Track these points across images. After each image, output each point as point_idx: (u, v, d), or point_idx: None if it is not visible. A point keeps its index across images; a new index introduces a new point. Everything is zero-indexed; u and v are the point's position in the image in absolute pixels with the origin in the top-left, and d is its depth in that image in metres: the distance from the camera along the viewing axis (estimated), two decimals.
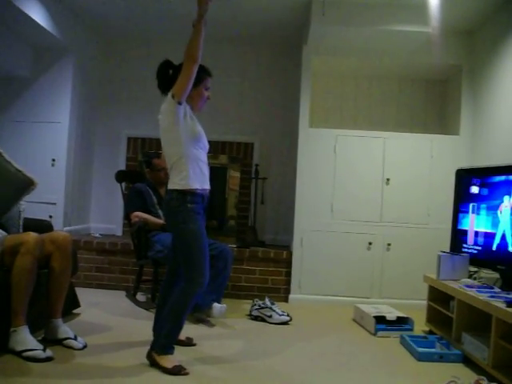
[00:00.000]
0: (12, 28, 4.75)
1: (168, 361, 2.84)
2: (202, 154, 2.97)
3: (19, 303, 2.90)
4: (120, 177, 4.72)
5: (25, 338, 2.87)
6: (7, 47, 4.90)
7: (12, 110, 5.33)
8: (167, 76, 2.96)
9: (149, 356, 2.91)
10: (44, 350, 2.87)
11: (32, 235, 3.00)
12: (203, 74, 2.98)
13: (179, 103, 2.82)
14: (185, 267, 2.90)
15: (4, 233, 3.22)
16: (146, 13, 5.15)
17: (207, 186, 2.98)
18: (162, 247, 4.12)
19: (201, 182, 2.91)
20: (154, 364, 2.87)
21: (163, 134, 2.92)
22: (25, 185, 3.46)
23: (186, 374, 2.81)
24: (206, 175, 2.98)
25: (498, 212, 3.55)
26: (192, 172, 2.87)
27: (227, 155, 5.81)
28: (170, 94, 2.83)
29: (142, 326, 3.68)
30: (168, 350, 2.89)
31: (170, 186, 2.90)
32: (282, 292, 4.92)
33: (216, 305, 3.88)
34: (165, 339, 2.89)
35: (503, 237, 3.49)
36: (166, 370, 2.80)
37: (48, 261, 3.15)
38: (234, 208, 5.71)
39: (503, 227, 3.50)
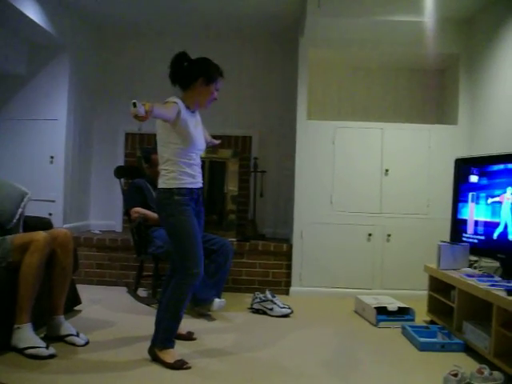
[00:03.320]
0: (7, 25, 4.72)
1: (169, 355, 2.85)
2: (193, 156, 2.98)
3: (25, 300, 2.92)
4: (119, 173, 4.71)
5: (28, 336, 2.88)
6: (2, 45, 4.87)
7: (8, 108, 5.31)
8: (181, 68, 2.97)
9: (150, 351, 2.92)
10: (47, 347, 2.88)
11: (42, 234, 3.03)
12: (216, 74, 3.02)
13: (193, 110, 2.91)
14: (179, 259, 2.92)
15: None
16: (142, 9, 5.13)
17: (196, 186, 3.00)
18: (162, 243, 4.12)
19: (188, 183, 2.93)
20: (155, 359, 2.88)
21: (158, 131, 2.95)
22: (21, 197, 3.55)
23: (188, 368, 2.82)
24: (196, 175, 3.01)
25: (505, 200, 3.52)
26: (179, 174, 2.90)
27: (226, 149, 5.79)
28: None
29: (143, 321, 3.69)
30: (168, 343, 2.90)
31: (159, 185, 2.95)
32: (282, 285, 4.93)
33: (216, 299, 3.89)
34: (164, 333, 2.90)
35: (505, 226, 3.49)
36: (168, 365, 2.81)
37: (49, 258, 3.15)
38: (233, 202, 5.70)
39: (506, 216, 3.49)
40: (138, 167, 5.23)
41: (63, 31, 5.10)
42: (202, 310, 3.95)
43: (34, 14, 4.51)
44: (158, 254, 4.19)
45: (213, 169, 5.75)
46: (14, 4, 4.21)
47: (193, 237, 2.89)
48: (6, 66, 5.06)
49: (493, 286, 3.08)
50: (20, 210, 3.54)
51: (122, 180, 4.79)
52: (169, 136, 2.89)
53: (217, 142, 3.53)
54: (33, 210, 3.81)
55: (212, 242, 4.17)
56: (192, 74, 2.96)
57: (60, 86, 5.24)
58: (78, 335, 3.16)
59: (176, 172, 2.89)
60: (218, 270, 4.12)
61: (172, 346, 2.91)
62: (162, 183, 2.93)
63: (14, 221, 3.49)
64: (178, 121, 2.81)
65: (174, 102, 2.81)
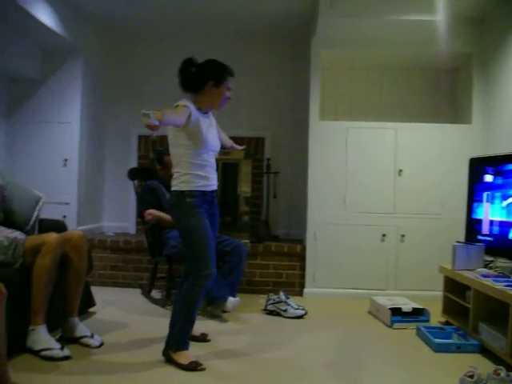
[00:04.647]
0: (20, 30, 4.77)
1: (184, 357, 2.85)
2: (206, 157, 2.97)
3: (39, 302, 2.93)
4: (132, 174, 4.72)
5: (43, 337, 2.90)
6: (16, 49, 4.93)
7: (23, 111, 5.37)
8: (190, 74, 2.98)
9: (165, 353, 2.93)
10: (61, 348, 2.89)
11: (53, 236, 3.04)
12: (226, 74, 3.02)
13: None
14: (190, 261, 2.93)
15: (23, 235, 3.26)
16: (154, 11, 5.15)
17: (210, 188, 3.00)
18: (176, 243, 4.13)
19: (200, 185, 2.93)
20: (169, 361, 2.89)
21: (169, 133, 2.96)
22: (35, 200, 3.61)
23: (203, 369, 2.82)
24: (210, 178, 3.00)
25: None
26: (191, 177, 2.91)
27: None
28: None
29: (157, 323, 3.70)
30: (182, 345, 2.91)
31: (172, 188, 2.97)
32: (296, 286, 4.92)
33: (230, 298, 3.89)
34: (178, 335, 2.91)
35: None
36: (182, 366, 2.81)
37: (63, 260, 3.17)
38: (247, 203, 5.70)
39: None
40: (152, 169, 5.25)
41: (76, 35, 5.15)
42: (215, 309, 3.96)
43: (46, 18, 4.56)
44: (172, 254, 4.20)
45: (226, 170, 5.76)
46: (27, 8, 4.25)
47: (204, 238, 2.89)
48: (19, 69, 5.12)
49: (509, 286, 3.05)
50: (36, 213, 3.58)
51: (136, 182, 4.80)
52: (180, 138, 2.89)
53: (240, 147, 3.54)
54: (47, 212, 3.83)
55: (226, 243, 4.17)
56: (201, 78, 2.96)
57: (73, 89, 5.30)
58: (92, 337, 3.17)
59: (188, 174, 2.90)
60: (232, 270, 4.14)
61: (186, 348, 2.91)
62: (174, 186, 2.95)
63: (31, 223, 3.53)
64: (188, 123, 2.81)
65: (184, 106, 2.81)
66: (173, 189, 2.96)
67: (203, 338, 3.34)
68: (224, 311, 3.96)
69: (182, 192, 2.90)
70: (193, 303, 2.90)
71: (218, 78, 2.97)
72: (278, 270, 4.95)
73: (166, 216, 4.32)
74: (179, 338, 2.91)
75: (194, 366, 2.81)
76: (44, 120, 5.31)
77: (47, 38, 4.94)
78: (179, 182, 2.92)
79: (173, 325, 2.95)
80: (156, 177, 4.69)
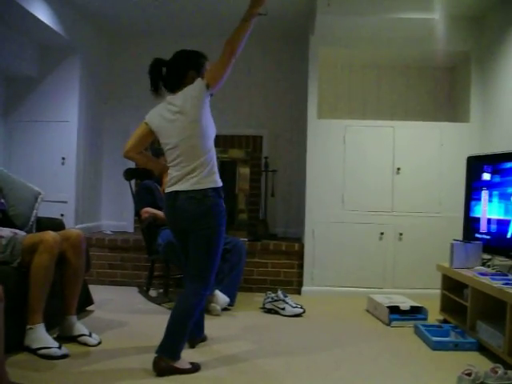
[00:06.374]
0: (18, 28, 4.76)
1: (182, 362, 2.74)
2: (167, 153, 2.89)
3: (37, 301, 2.93)
4: (128, 175, 4.72)
5: (41, 336, 2.90)
6: (14, 47, 4.92)
7: (20, 109, 5.36)
8: (161, 74, 2.90)
9: (158, 364, 2.71)
10: (59, 347, 2.89)
11: (51, 234, 3.03)
12: (202, 59, 2.91)
13: (211, 94, 2.72)
14: (204, 269, 2.73)
15: (23, 233, 3.26)
16: (152, 10, 5.14)
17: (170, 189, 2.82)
18: (160, 241, 4.15)
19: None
20: (166, 371, 2.70)
21: (193, 125, 2.70)
22: (34, 198, 3.65)
23: (196, 368, 2.77)
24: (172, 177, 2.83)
25: None
26: (216, 168, 2.81)
27: (236, 149, 5.79)
28: (202, 83, 2.67)
29: (155, 320, 3.70)
30: (176, 356, 2.73)
31: (205, 185, 2.70)
32: (294, 284, 4.92)
33: (217, 292, 3.95)
34: (172, 345, 2.72)
35: None
36: (186, 371, 2.71)
37: (61, 258, 3.16)
38: (245, 202, 5.70)
39: None
40: (147, 169, 5.22)
41: (74, 33, 5.14)
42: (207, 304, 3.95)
43: (44, 16, 4.54)
44: (158, 252, 4.21)
45: (223, 169, 5.75)
46: (25, 6, 4.24)
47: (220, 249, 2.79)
48: (17, 67, 5.10)
49: (506, 284, 3.05)
50: (35, 212, 3.59)
51: (133, 182, 4.80)
52: (207, 124, 2.76)
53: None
54: (45, 210, 3.83)
55: (226, 241, 4.17)
56: (180, 72, 2.84)
57: (71, 87, 5.29)
58: (90, 335, 3.17)
59: (215, 166, 2.80)
60: (232, 269, 4.19)
61: (179, 358, 2.75)
62: (208, 181, 2.72)
63: (30, 223, 3.53)
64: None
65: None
66: (209, 186, 2.71)
67: (202, 339, 3.27)
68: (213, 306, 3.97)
69: (219, 192, 2.75)
70: (195, 313, 2.75)
71: (198, 64, 2.85)
72: (276, 268, 4.95)
73: (162, 214, 4.31)
74: (174, 349, 2.72)
75: (196, 367, 2.76)
76: (42, 118, 5.29)
77: (45, 35, 4.92)
78: (215, 176, 2.77)
79: (167, 337, 2.74)
80: (151, 176, 4.68)
